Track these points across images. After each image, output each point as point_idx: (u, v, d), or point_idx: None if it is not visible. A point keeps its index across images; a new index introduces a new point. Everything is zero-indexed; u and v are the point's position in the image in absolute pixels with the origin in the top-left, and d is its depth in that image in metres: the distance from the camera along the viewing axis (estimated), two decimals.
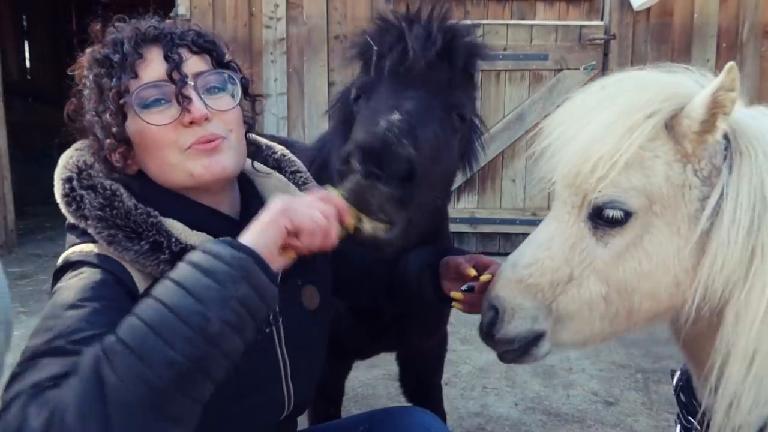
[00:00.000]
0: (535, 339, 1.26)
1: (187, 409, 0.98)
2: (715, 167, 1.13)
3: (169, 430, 0.96)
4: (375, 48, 1.63)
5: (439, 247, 1.70)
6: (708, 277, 1.10)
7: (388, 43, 1.63)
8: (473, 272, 1.48)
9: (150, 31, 1.28)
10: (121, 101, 1.24)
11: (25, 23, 11.16)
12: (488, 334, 1.29)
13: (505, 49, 5.54)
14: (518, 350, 1.28)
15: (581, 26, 5.54)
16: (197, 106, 1.26)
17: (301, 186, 1.55)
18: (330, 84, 5.67)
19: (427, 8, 1.76)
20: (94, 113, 1.27)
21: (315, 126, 5.49)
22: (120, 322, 1.01)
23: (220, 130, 1.29)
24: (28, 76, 11.15)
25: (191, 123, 1.25)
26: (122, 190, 1.26)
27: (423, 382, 2.55)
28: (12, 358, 1.27)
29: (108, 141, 1.26)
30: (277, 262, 1.12)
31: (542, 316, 1.23)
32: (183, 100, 1.25)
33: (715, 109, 1.09)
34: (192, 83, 1.27)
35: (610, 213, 1.16)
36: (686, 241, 1.14)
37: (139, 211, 1.24)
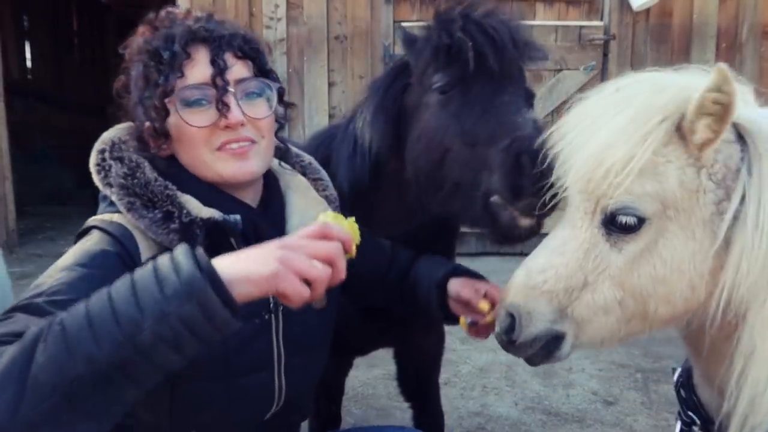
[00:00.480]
0: (555, 339, 1.26)
1: (100, 406, 0.95)
2: (731, 170, 1.11)
3: (78, 423, 0.94)
4: (470, 44, 1.65)
5: (450, 265, 1.70)
6: (732, 282, 1.09)
7: (479, 39, 1.67)
8: (485, 308, 1.49)
9: (200, 32, 1.34)
10: (166, 100, 1.32)
11: (25, 23, 11.17)
12: (508, 340, 1.29)
13: None
14: (541, 352, 1.28)
15: (581, 26, 5.55)
16: (234, 114, 1.32)
17: (320, 192, 1.60)
18: (330, 84, 5.68)
19: (480, 6, 1.82)
20: (137, 100, 1.35)
21: (315, 126, 5.49)
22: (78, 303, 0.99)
23: (253, 134, 1.37)
24: (29, 76, 11.15)
25: (226, 127, 1.33)
26: (146, 164, 1.35)
27: (421, 380, 2.55)
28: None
29: (147, 126, 1.34)
30: (248, 294, 1.04)
31: (559, 319, 1.23)
32: (222, 106, 1.32)
33: (703, 112, 1.08)
34: (233, 90, 1.33)
35: (623, 219, 1.15)
36: (701, 245, 1.13)
37: (158, 183, 1.32)
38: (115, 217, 1.30)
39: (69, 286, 1.12)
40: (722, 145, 1.11)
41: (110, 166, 1.34)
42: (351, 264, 1.52)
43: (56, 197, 8.61)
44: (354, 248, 1.17)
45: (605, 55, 5.57)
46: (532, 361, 1.32)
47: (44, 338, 0.93)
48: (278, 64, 5.65)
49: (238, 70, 1.35)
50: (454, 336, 4.22)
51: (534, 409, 3.30)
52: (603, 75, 5.60)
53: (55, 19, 11.83)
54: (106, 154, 1.36)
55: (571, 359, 3.85)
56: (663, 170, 1.12)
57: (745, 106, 1.14)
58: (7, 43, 9.60)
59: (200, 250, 1.01)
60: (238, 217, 1.33)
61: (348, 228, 1.23)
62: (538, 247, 1.27)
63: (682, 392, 1.37)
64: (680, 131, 1.12)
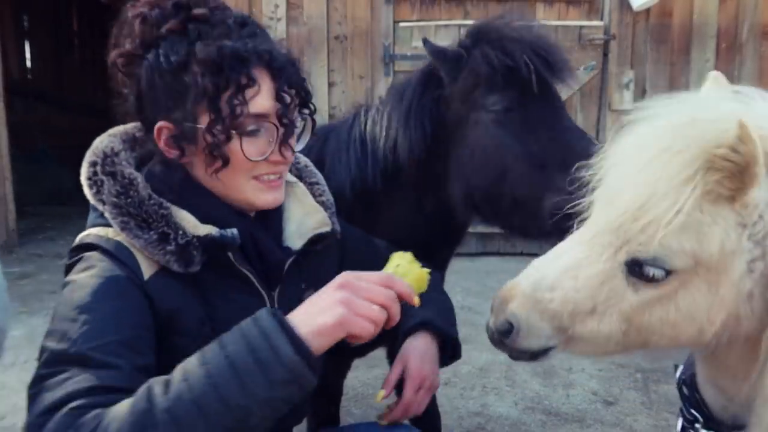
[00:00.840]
0: (546, 350, 1.27)
1: None
2: None
3: None
4: (531, 66, 1.72)
5: (426, 315, 1.65)
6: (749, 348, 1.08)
7: (537, 63, 1.75)
8: (378, 396, 1.51)
9: (264, 57, 1.28)
10: (228, 127, 1.26)
11: (25, 23, 11.16)
12: (500, 340, 1.28)
13: None
14: (530, 356, 1.29)
15: (581, 26, 5.55)
16: (289, 155, 1.34)
17: (317, 197, 1.59)
18: (330, 84, 5.68)
19: (515, 22, 1.90)
20: (184, 115, 1.28)
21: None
22: (172, 379, 1.07)
23: (286, 167, 1.39)
24: (29, 76, 11.15)
25: (275, 162, 1.33)
26: (139, 179, 1.31)
27: None
28: (14, 356, 1.29)
29: (203, 148, 1.28)
30: (324, 346, 1.13)
31: (555, 336, 1.22)
32: (281, 144, 1.31)
33: (713, 168, 1.02)
34: (298, 131, 1.35)
35: (650, 271, 1.10)
36: (721, 300, 1.08)
37: (152, 201, 1.28)
38: (110, 233, 1.27)
39: (103, 327, 1.15)
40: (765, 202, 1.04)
41: (102, 182, 1.30)
42: (344, 264, 1.55)
43: (56, 197, 8.60)
44: (416, 299, 1.21)
45: (605, 55, 5.57)
46: (514, 357, 1.32)
47: (152, 426, 1.01)
48: None
49: (293, 105, 1.34)
50: None
51: (534, 409, 3.30)
52: (603, 75, 5.60)
53: (55, 19, 11.84)
54: (98, 168, 1.31)
55: (571, 359, 3.84)
56: (707, 231, 1.05)
57: None
58: (7, 43, 9.60)
59: (288, 325, 1.08)
60: (235, 231, 1.30)
61: (416, 273, 1.28)
62: (549, 259, 1.22)
63: (685, 390, 1.37)
64: (729, 188, 1.04)
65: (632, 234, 1.09)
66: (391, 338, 2.33)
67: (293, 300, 1.44)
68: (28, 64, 11.24)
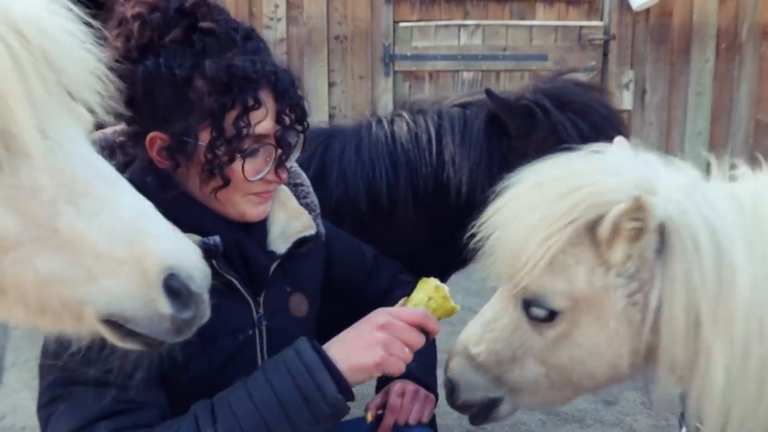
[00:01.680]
0: (493, 403, 1.37)
1: None
2: (645, 261, 1.14)
3: None
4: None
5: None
6: (664, 371, 1.16)
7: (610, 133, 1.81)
8: (368, 418, 1.55)
9: (270, 78, 1.28)
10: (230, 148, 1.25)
11: None
12: (451, 401, 1.43)
13: (504, 50, 5.54)
14: (480, 413, 1.40)
15: (581, 27, 5.54)
16: (285, 176, 1.35)
17: (301, 199, 1.58)
18: (330, 84, 5.68)
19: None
20: (183, 127, 1.26)
21: (315, 125, 5.49)
22: (218, 409, 1.13)
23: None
24: None
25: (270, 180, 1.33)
26: None
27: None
28: (14, 356, 1.30)
29: (203, 165, 1.27)
30: (360, 381, 1.21)
31: (494, 386, 1.34)
32: (279, 165, 1.32)
33: (617, 233, 1.11)
34: (296, 154, 1.35)
35: (535, 312, 1.22)
36: (617, 333, 1.18)
37: None
38: None
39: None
40: (637, 247, 1.14)
41: None
42: (332, 268, 1.55)
43: None
44: (437, 331, 1.31)
45: (605, 55, 5.57)
46: (472, 420, 1.45)
47: None
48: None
49: (292, 126, 1.34)
50: (454, 336, 4.21)
51: (534, 409, 3.31)
52: (603, 75, 5.60)
53: None
54: None
55: None
56: (573, 271, 1.17)
57: (667, 200, 1.13)
58: None
59: (330, 360, 1.14)
60: (217, 238, 1.29)
61: (448, 309, 1.34)
62: (476, 317, 1.36)
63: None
64: (591, 232, 1.16)
65: (517, 281, 1.22)
66: None
67: (279, 304, 1.45)
68: None
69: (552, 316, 1.21)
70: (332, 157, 2.10)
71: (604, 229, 1.12)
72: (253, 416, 1.11)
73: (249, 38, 1.31)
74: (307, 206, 1.58)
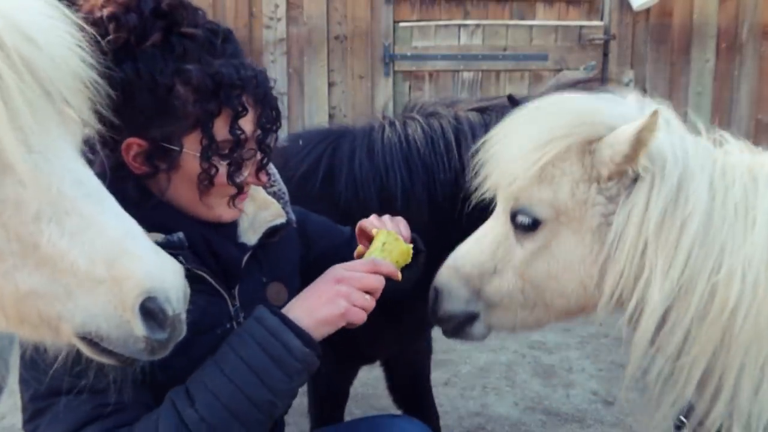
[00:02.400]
0: (469, 319, 1.45)
1: None
2: (624, 188, 1.24)
3: None
4: None
5: None
6: (610, 289, 1.24)
7: None
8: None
9: (252, 83, 1.26)
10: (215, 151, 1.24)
11: None
12: (433, 312, 1.49)
13: (505, 50, 5.54)
14: (455, 327, 1.47)
15: (581, 26, 5.54)
16: (265, 178, 1.35)
17: (268, 188, 1.58)
18: (330, 84, 5.68)
19: None
20: (163, 131, 1.24)
21: (314, 126, 5.49)
22: (193, 389, 1.14)
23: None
24: None
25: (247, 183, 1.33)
26: None
27: (417, 382, 2.56)
28: (14, 357, 1.30)
29: (199, 173, 1.26)
30: (326, 334, 1.25)
31: (474, 301, 1.42)
32: (260, 169, 1.32)
33: (638, 146, 1.19)
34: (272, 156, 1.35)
35: (520, 219, 1.32)
36: (591, 251, 1.28)
37: None
38: None
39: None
40: (628, 172, 1.24)
41: None
42: (310, 248, 1.65)
43: None
44: (399, 275, 1.37)
45: (605, 55, 5.57)
46: (448, 334, 1.52)
47: None
48: (278, 64, 5.65)
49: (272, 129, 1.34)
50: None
51: (534, 409, 3.31)
52: (603, 75, 5.60)
53: None
54: None
55: (572, 359, 3.84)
56: (558, 181, 1.28)
57: (663, 133, 1.24)
58: None
59: (290, 320, 1.18)
60: (181, 234, 1.28)
61: (401, 249, 1.41)
62: (472, 234, 1.47)
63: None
64: (588, 151, 1.26)
65: (508, 194, 1.33)
66: (412, 338, 2.35)
67: (255, 295, 1.45)
68: None
69: (535, 226, 1.31)
70: (341, 158, 2.07)
71: (623, 137, 1.20)
72: (228, 388, 1.13)
73: (227, 40, 1.29)
74: (275, 195, 1.57)
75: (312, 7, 5.61)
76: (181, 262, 1.26)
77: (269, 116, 1.31)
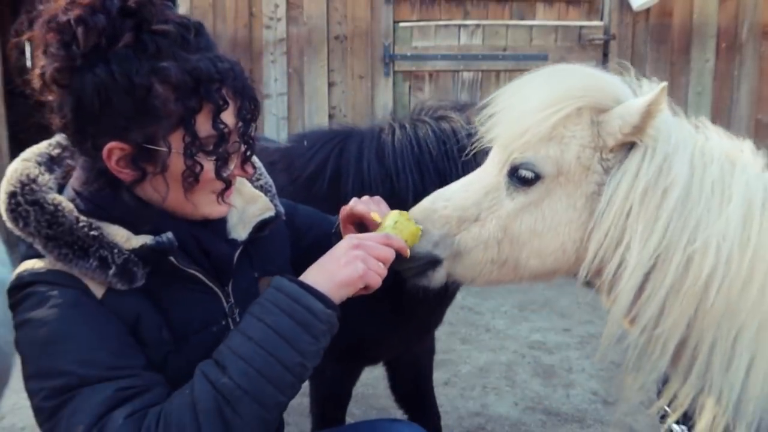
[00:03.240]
0: (432, 263, 1.45)
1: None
2: (618, 162, 1.30)
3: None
4: None
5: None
6: (593, 251, 1.28)
7: None
8: (377, 217, 1.54)
9: (229, 74, 1.23)
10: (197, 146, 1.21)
11: None
12: None
13: (505, 50, 5.54)
14: (417, 269, 1.46)
15: (581, 27, 5.55)
16: (251, 170, 1.34)
17: (255, 182, 1.57)
18: (330, 84, 5.68)
19: None
20: (144, 130, 1.21)
21: (315, 126, 5.49)
22: (223, 360, 1.17)
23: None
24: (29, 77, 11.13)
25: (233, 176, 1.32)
26: (63, 203, 1.24)
27: (419, 382, 2.56)
28: (13, 357, 1.30)
29: (184, 172, 1.23)
30: (346, 296, 1.29)
31: (443, 245, 1.42)
32: (244, 161, 1.31)
33: (647, 118, 1.24)
34: (256, 147, 1.34)
35: (523, 172, 1.34)
36: (579, 216, 1.32)
37: (81, 224, 1.23)
38: (48, 263, 1.23)
39: (89, 348, 1.18)
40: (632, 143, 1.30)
41: (28, 213, 1.22)
42: (300, 238, 1.69)
43: None
44: (408, 252, 1.41)
45: (605, 55, 5.57)
46: (405, 273, 1.50)
47: (229, 404, 1.13)
48: (278, 64, 5.65)
49: (253, 120, 1.32)
50: (454, 336, 4.22)
51: (534, 409, 3.31)
52: None
53: None
54: (19, 198, 1.23)
55: (572, 359, 3.84)
56: (567, 142, 1.32)
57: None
58: (7, 42, 9.57)
59: (308, 285, 1.23)
60: (170, 235, 1.26)
61: (411, 230, 1.43)
62: (452, 184, 1.48)
63: (659, 385, 1.43)
64: (596, 120, 1.31)
65: (514, 146, 1.35)
66: (417, 337, 2.35)
67: (248, 290, 1.45)
68: (28, 63, 11.22)
69: (533, 181, 1.34)
70: (348, 160, 2.04)
71: (634, 109, 1.25)
72: (259, 353, 1.16)
73: (200, 34, 1.25)
74: (261, 188, 1.57)
75: (312, 7, 5.61)
76: (173, 262, 1.27)
77: (249, 107, 1.29)
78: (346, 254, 1.28)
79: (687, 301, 1.21)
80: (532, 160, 1.33)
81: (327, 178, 2.05)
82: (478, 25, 5.54)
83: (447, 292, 2.18)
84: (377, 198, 1.62)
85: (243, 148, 1.30)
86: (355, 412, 3.19)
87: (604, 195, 1.28)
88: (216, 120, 1.20)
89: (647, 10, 5.57)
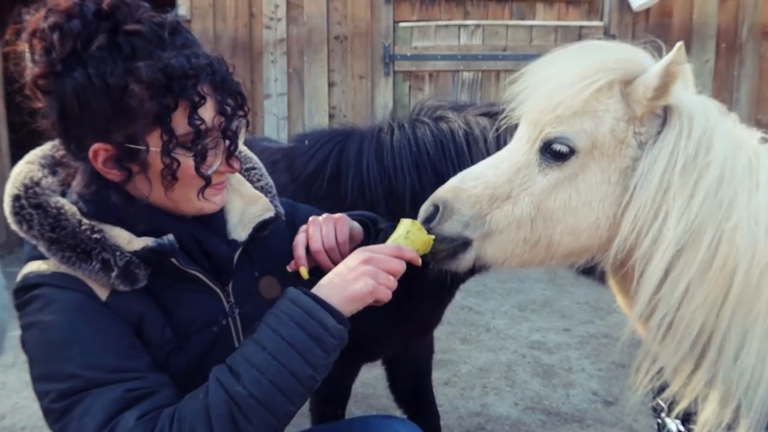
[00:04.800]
0: (463, 245, 1.41)
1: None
2: (652, 136, 1.29)
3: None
4: None
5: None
6: (629, 226, 1.27)
7: None
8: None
9: (205, 69, 1.23)
10: (175, 144, 1.21)
11: None
12: (427, 226, 1.43)
13: (505, 50, 5.54)
14: (447, 252, 1.43)
15: (581, 26, 5.55)
16: (237, 165, 1.33)
17: (255, 183, 1.58)
18: (330, 84, 5.68)
19: None
20: (125, 133, 1.21)
21: (315, 126, 5.49)
22: (237, 367, 1.19)
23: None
24: None
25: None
26: (66, 206, 1.26)
27: (419, 381, 2.56)
28: (14, 356, 1.30)
29: (162, 170, 1.23)
30: (355, 311, 1.30)
31: (473, 226, 1.39)
32: (229, 155, 1.30)
33: (667, 78, 1.24)
34: (240, 141, 1.32)
35: (557, 147, 1.32)
36: (613, 191, 1.31)
37: (84, 227, 1.24)
38: (52, 265, 1.24)
39: (94, 351, 1.19)
40: (651, 116, 1.30)
41: (31, 216, 1.24)
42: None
43: None
44: (419, 261, 1.40)
45: None
46: (437, 257, 1.45)
47: (241, 411, 1.16)
48: (278, 64, 5.66)
49: (235, 115, 1.30)
50: (454, 336, 4.22)
51: (534, 409, 3.31)
52: None
53: None
54: (23, 201, 1.25)
55: (572, 359, 3.85)
56: (601, 115, 1.31)
57: (683, 90, 1.32)
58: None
59: (323, 300, 1.24)
60: (171, 237, 1.27)
61: (424, 239, 1.41)
62: (479, 163, 1.45)
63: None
64: (626, 93, 1.30)
65: (546, 121, 1.33)
66: (418, 333, 2.36)
67: (248, 290, 1.46)
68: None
69: (567, 156, 1.32)
70: (348, 159, 2.06)
71: (653, 71, 1.25)
72: (273, 364, 1.18)
73: (176, 32, 1.25)
74: (262, 189, 1.57)
75: (312, 7, 5.62)
76: (175, 263, 1.28)
77: (231, 102, 1.28)
78: (356, 269, 1.29)
79: (713, 284, 1.20)
80: (567, 135, 1.31)
81: (327, 177, 2.06)
82: (478, 25, 5.54)
83: (446, 292, 2.19)
84: (337, 215, 1.57)
85: (226, 143, 1.28)
86: (354, 412, 3.19)
87: (640, 168, 1.27)
88: (192, 116, 1.20)
89: (647, 11, 5.57)
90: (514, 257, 1.40)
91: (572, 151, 1.31)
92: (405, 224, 1.44)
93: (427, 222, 1.42)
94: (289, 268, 1.50)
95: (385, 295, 1.30)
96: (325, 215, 1.56)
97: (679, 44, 1.23)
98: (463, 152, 1.98)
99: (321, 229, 1.51)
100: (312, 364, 1.20)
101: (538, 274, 5.23)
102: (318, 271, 1.48)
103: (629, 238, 1.27)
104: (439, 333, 4.27)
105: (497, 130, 1.97)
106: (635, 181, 1.27)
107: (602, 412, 3.28)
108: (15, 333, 1.49)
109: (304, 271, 1.48)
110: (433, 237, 1.42)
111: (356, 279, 1.27)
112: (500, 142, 1.95)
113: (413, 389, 2.56)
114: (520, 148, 1.39)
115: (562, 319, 4.45)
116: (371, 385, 3.47)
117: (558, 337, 4.19)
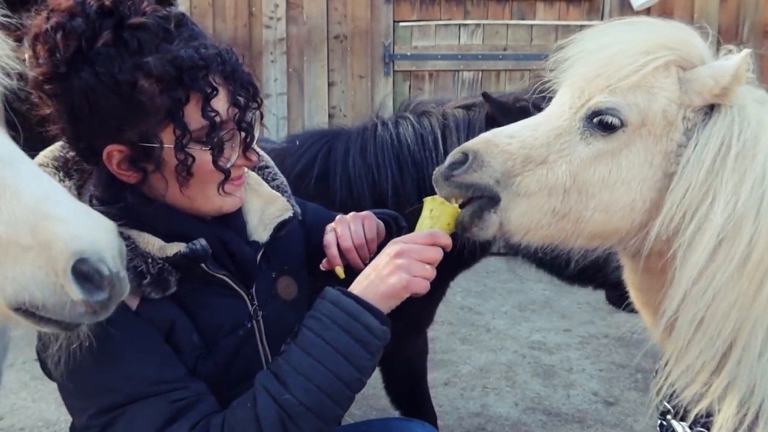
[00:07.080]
0: (490, 200, 1.30)
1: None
2: (698, 124, 1.27)
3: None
4: None
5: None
6: (671, 209, 1.22)
7: None
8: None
9: (216, 59, 1.21)
10: (190, 139, 1.19)
11: None
12: (448, 173, 1.31)
13: (505, 49, 5.54)
14: (473, 209, 1.31)
15: (581, 26, 5.53)
16: (255, 157, 1.30)
17: (270, 182, 1.56)
18: (330, 84, 5.68)
19: None
20: (140, 131, 1.19)
21: (315, 126, 5.49)
22: (283, 375, 1.18)
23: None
24: None
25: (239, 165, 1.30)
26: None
27: (414, 382, 2.56)
28: (13, 357, 1.29)
29: (176, 166, 1.21)
30: (393, 306, 1.28)
31: (503, 184, 1.30)
32: (246, 148, 1.28)
33: (736, 81, 1.22)
34: (257, 134, 1.30)
35: (608, 118, 1.26)
36: (654, 174, 1.26)
37: None
38: None
39: (131, 365, 1.19)
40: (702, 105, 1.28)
41: None
42: (311, 237, 1.63)
43: None
44: (451, 244, 1.33)
45: None
46: (463, 222, 1.32)
47: (291, 419, 1.16)
48: (278, 64, 5.65)
49: (249, 106, 1.28)
50: (454, 336, 4.22)
51: (534, 410, 3.30)
52: None
53: None
54: None
55: (572, 359, 3.84)
56: (656, 93, 1.26)
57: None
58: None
59: (365, 301, 1.22)
60: (203, 241, 1.25)
61: (450, 213, 1.33)
62: (514, 124, 1.38)
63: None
64: (684, 78, 1.27)
65: (596, 90, 1.28)
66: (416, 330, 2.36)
67: (267, 291, 1.45)
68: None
69: (614, 129, 1.26)
70: (335, 159, 2.11)
71: (726, 71, 1.22)
72: (319, 370, 1.17)
73: (182, 24, 1.23)
74: (278, 188, 1.55)
75: (312, 7, 5.61)
76: (203, 268, 1.27)
77: (243, 93, 1.25)
78: (389, 264, 1.25)
79: (749, 279, 1.17)
80: (620, 106, 1.26)
81: (314, 176, 2.11)
82: (478, 25, 5.54)
83: (437, 288, 2.21)
84: (364, 213, 1.57)
85: (242, 135, 1.26)
86: (355, 413, 3.18)
87: (689, 150, 1.23)
88: (206, 108, 1.17)
89: (647, 10, 5.56)
90: (539, 228, 1.32)
91: (622, 124, 1.26)
92: (427, 203, 1.37)
93: (452, 168, 1.31)
94: (322, 267, 1.49)
95: (422, 287, 1.25)
96: (352, 213, 1.56)
97: (747, 51, 1.22)
98: (438, 143, 2.05)
99: (350, 227, 1.51)
100: (358, 367, 1.19)
101: (538, 274, 5.23)
102: (348, 270, 1.48)
103: (675, 218, 1.21)
104: (439, 333, 4.27)
105: (470, 120, 2.05)
106: (681, 164, 1.23)
107: (603, 412, 3.28)
108: (14, 333, 1.49)
109: (340, 270, 1.48)
110: (457, 207, 1.33)
111: (389, 274, 1.24)
112: (473, 133, 2.00)
113: (409, 390, 2.57)
114: (561, 114, 1.32)
115: (562, 320, 4.44)
116: (371, 385, 3.46)
117: (558, 337, 4.18)
